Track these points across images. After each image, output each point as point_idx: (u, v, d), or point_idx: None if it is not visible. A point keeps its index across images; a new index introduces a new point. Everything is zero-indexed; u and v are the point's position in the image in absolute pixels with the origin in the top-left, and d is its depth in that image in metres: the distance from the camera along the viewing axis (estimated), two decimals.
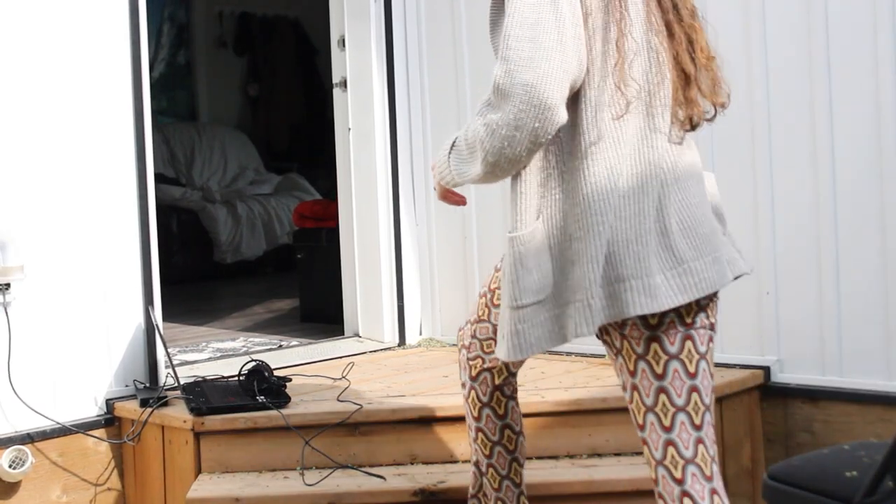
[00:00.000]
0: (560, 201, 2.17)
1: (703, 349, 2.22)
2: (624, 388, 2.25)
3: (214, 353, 4.60)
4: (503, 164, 2.10)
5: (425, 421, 3.41)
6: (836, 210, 3.60)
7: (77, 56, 3.64)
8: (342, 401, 3.49)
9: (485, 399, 2.69)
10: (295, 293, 6.00)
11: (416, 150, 4.59)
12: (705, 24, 2.28)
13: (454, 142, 2.24)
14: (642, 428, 2.23)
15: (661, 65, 2.19)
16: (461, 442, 3.37)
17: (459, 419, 3.33)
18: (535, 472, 3.22)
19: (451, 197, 2.38)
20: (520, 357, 2.19)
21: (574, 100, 2.14)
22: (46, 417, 3.52)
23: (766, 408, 3.75)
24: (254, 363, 3.62)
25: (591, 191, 2.13)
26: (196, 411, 3.39)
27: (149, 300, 3.78)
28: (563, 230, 2.17)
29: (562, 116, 2.05)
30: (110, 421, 3.66)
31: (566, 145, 2.16)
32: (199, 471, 3.38)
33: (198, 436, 3.38)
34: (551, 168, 2.18)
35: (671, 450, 2.21)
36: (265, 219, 7.93)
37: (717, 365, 3.82)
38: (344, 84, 4.67)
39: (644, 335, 2.18)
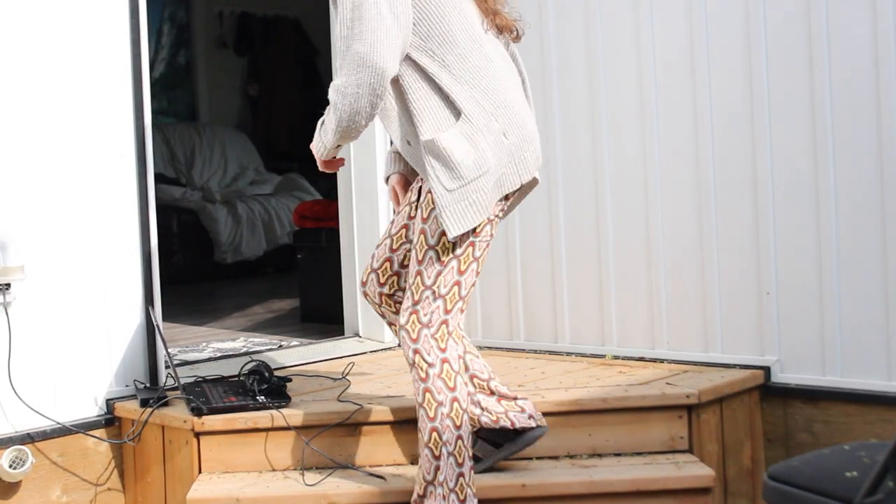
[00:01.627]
0: (476, 98, 2.82)
1: None
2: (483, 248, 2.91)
3: (214, 353, 4.60)
4: (355, 119, 2.74)
5: None
6: (836, 210, 3.60)
7: (77, 56, 3.64)
8: (342, 401, 3.49)
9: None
10: (295, 293, 5.99)
11: None
12: None
13: (321, 121, 2.86)
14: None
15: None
16: None
17: None
18: (535, 473, 3.23)
19: (332, 165, 2.98)
20: (479, 220, 2.80)
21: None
22: (46, 417, 3.52)
23: (766, 408, 3.75)
24: (254, 363, 3.62)
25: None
26: (196, 411, 3.39)
27: (149, 300, 3.78)
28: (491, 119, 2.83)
29: (392, 72, 2.73)
30: (110, 421, 3.66)
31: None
32: (199, 471, 3.38)
33: (198, 436, 3.38)
34: (445, 83, 2.81)
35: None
36: (265, 219, 7.92)
37: (718, 365, 3.83)
38: None
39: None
